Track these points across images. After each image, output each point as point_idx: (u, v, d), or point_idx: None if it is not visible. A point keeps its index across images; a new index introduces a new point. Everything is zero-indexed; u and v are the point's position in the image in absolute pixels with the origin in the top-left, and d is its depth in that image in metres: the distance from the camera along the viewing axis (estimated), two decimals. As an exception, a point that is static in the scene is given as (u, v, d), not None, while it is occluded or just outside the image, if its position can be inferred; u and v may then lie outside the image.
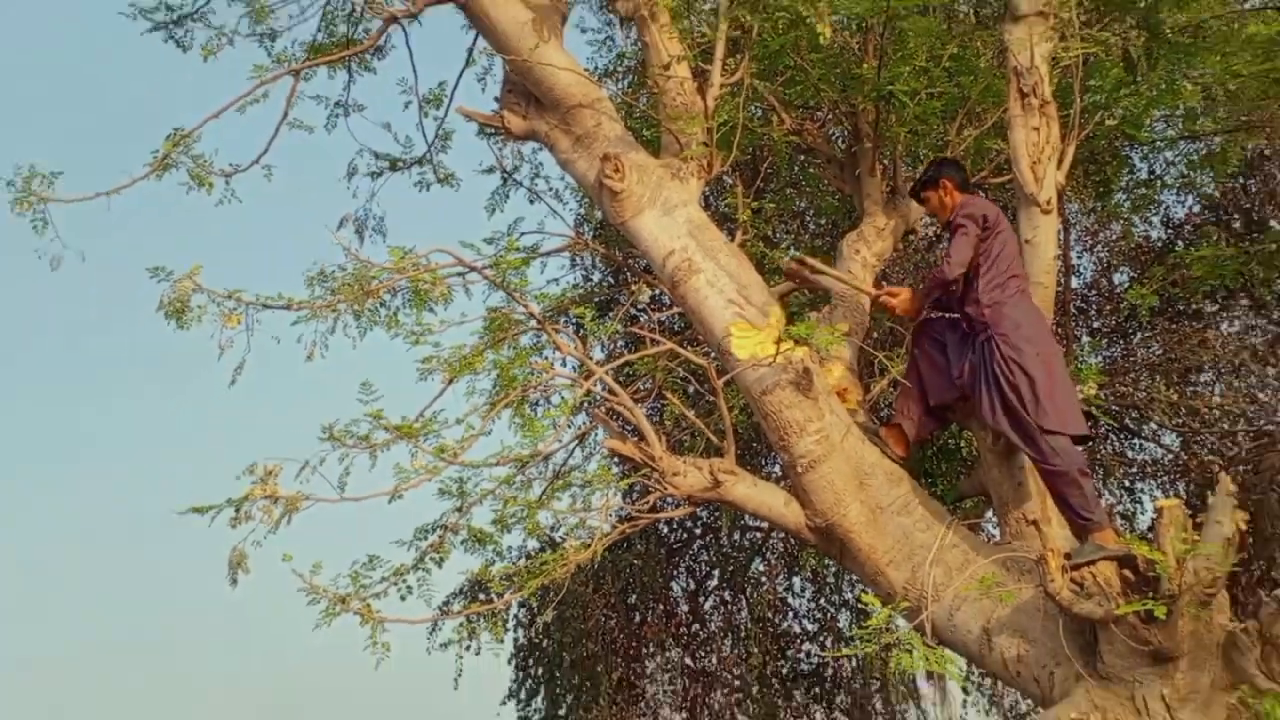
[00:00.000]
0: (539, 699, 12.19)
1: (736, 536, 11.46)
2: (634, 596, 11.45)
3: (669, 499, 5.97)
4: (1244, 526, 4.76)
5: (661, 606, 11.69)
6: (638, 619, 11.53)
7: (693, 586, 11.90)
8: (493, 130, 7.24)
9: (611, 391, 6.04)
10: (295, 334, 6.73)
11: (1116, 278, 10.45)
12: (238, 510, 5.85)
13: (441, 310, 6.85)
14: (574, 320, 7.62)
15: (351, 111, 8.33)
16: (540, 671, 12.09)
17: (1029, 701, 7.99)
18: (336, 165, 8.50)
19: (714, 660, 11.65)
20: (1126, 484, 10.40)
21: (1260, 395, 9.83)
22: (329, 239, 7.46)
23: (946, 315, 5.94)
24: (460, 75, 8.16)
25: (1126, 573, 4.81)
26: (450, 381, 6.68)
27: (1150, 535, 4.75)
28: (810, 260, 6.67)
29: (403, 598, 6.30)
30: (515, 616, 11.80)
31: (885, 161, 7.58)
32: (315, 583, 5.80)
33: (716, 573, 11.82)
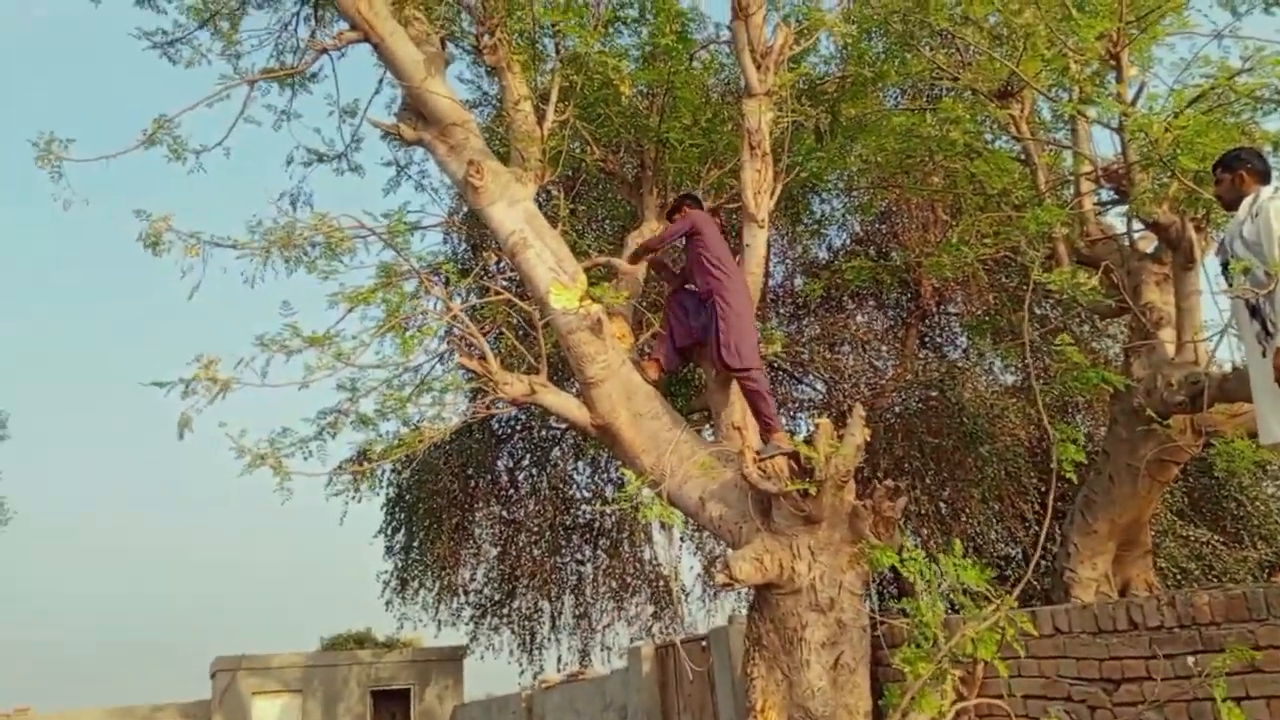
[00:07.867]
0: (400, 535, 11.84)
1: (543, 431, 11.30)
2: (471, 469, 11.17)
3: (500, 401, 5.75)
4: (868, 438, 4.92)
5: (489, 476, 11.45)
6: (472, 484, 11.27)
7: (512, 464, 11.70)
8: (392, 136, 6.81)
9: (465, 324, 5.78)
10: (239, 267, 6.28)
11: (796, 281, 10.66)
12: (186, 386, 5.39)
13: (347, 259, 6.49)
14: (443, 276, 7.26)
15: (292, 119, 7.58)
16: (402, 516, 11.72)
17: (723, 545, 8.11)
18: (280, 156, 7.86)
19: (522, 514, 11.50)
20: (790, 413, 10.69)
21: (876, 363, 10.25)
22: (273, 207, 6.94)
23: (689, 287, 5.91)
24: (372, 97, 7.78)
25: (793, 464, 4.88)
26: (350, 309, 6.24)
27: (809, 442, 4.84)
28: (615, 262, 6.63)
29: (305, 458, 5.88)
30: (387, 477, 11.37)
31: (659, 185, 7.48)
32: (243, 444, 5.38)
33: (528, 456, 11.65)
